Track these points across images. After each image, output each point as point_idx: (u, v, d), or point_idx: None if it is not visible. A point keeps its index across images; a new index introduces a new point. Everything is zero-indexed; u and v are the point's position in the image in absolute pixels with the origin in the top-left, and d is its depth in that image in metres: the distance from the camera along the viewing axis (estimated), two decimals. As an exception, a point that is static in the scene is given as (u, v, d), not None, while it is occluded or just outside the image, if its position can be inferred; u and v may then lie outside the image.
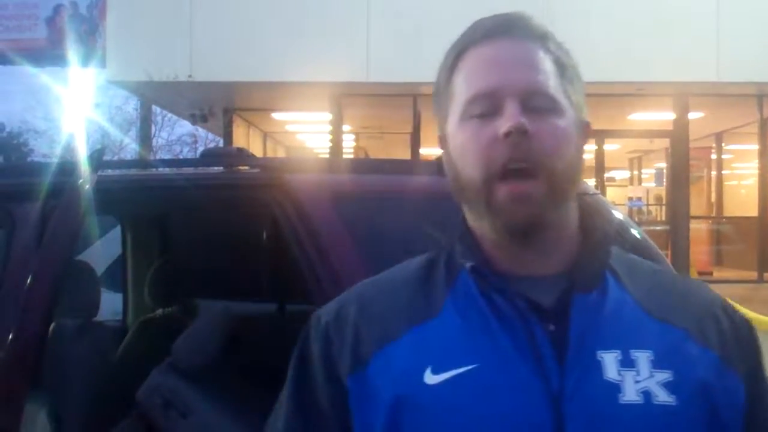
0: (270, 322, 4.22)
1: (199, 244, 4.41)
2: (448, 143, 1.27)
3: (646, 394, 1.12)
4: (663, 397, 1.12)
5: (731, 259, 16.40)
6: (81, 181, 2.66)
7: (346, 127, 15.53)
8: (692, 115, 14.73)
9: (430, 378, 1.16)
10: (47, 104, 32.98)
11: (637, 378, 1.13)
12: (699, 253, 15.41)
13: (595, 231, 1.25)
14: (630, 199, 18.79)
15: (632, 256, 1.32)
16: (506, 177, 1.16)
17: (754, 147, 15.49)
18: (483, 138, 1.18)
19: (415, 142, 14.55)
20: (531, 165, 1.15)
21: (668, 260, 13.09)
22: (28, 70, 20.53)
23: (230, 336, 3.47)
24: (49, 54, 18.69)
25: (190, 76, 12.75)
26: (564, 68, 1.22)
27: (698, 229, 15.96)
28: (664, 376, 1.14)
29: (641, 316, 1.20)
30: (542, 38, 1.22)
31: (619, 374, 1.13)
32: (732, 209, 18.16)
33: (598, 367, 1.14)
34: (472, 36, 1.23)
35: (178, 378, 3.28)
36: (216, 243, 4.28)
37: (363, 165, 3.76)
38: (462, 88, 1.22)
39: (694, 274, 14.66)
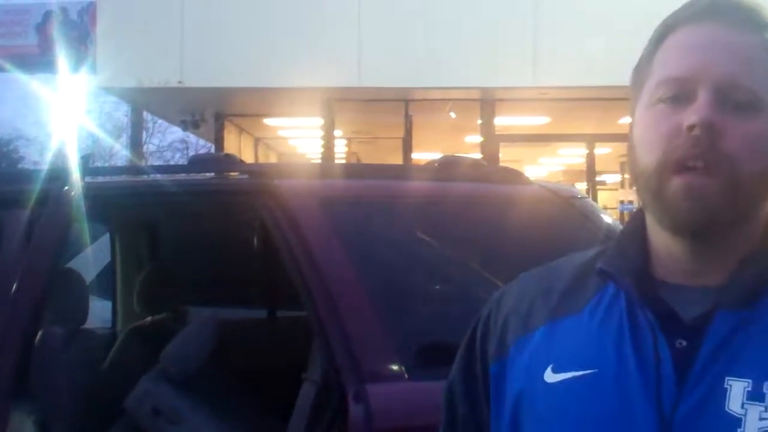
0: (259, 329, 4.22)
1: (187, 251, 4.40)
2: (633, 129, 1.15)
3: None
4: None
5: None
6: (67, 187, 2.65)
7: (337, 132, 15.51)
8: (683, 119, 14.76)
9: (550, 376, 1.12)
10: (38, 111, 32.86)
11: (764, 414, 0.98)
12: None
13: (762, 240, 1.11)
14: (621, 202, 18.80)
15: None
16: (682, 171, 1.04)
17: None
18: (666, 126, 1.06)
19: (407, 147, 14.53)
20: (711, 165, 1.02)
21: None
22: (19, 76, 20.51)
23: (219, 343, 3.45)
24: (39, 60, 18.66)
25: (180, 81, 12.73)
26: None
27: (690, 232, 15.96)
28: None
29: None
30: (762, 27, 1.07)
31: (743, 407, 1.00)
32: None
33: (722, 395, 1.01)
34: (683, 13, 1.11)
35: (167, 385, 3.27)
36: (205, 249, 4.28)
37: (352, 169, 3.75)
38: (657, 70, 1.11)
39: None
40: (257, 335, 4.14)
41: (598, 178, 17.61)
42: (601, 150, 18.28)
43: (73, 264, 4.54)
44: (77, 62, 16.97)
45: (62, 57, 16.70)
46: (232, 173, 3.09)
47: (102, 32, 13.31)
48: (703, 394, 1.01)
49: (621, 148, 20.02)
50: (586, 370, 1.09)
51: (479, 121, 14.04)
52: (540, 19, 12.44)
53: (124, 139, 30.39)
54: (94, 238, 4.88)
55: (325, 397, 2.64)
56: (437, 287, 2.98)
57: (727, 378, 1.01)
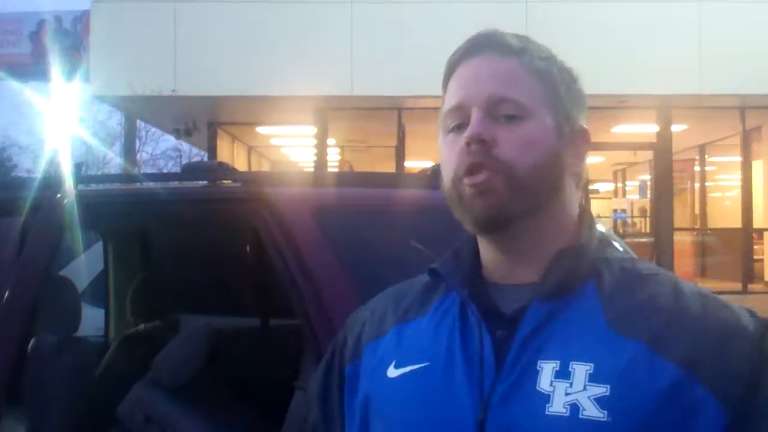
0: (251, 337, 4.21)
1: (180, 259, 4.40)
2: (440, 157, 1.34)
3: (574, 406, 1.11)
4: (591, 411, 1.10)
5: (715, 271, 16.44)
6: (59, 195, 2.64)
7: (330, 141, 15.52)
8: (675, 128, 14.80)
9: (392, 372, 1.27)
10: (31, 119, 32.87)
11: (569, 390, 1.12)
12: (683, 264, 15.45)
13: (571, 240, 1.28)
14: (614, 211, 18.84)
15: (642, 271, 1.27)
16: (468, 176, 1.23)
17: (737, 159, 15.56)
18: (455, 149, 1.26)
19: (400, 156, 14.55)
20: (491, 170, 1.21)
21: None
22: (12, 85, 20.48)
23: (211, 351, 3.45)
24: (32, 69, 18.65)
25: (173, 90, 12.73)
26: (544, 76, 1.28)
27: (682, 240, 16.01)
28: (599, 390, 1.11)
29: (600, 329, 1.17)
30: (517, 52, 1.28)
31: (551, 385, 1.13)
32: (716, 221, 18.23)
33: (534, 376, 1.15)
34: (454, 57, 1.33)
35: (159, 393, 3.26)
36: (198, 258, 4.27)
37: (344, 178, 3.74)
38: (443, 105, 1.31)
39: (678, 285, 14.67)
40: (250, 343, 4.13)
41: (591, 187, 17.65)
42: (594, 159, 18.31)
43: (67, 271, 4.53)
44: (71, 71, 16.97)
45: (56, 65, 16.71)
46: (225, 181, 3.08)
47: (95, 41, 13.30)
48: (517, 376, 1.16)
49: (614, 156, 20.10)
50: (421, 363, 1.25)
51: (472, 130, 14.07)
52: (531, 27, 12.46)
53: (118, 147, 30.36)
54: (88, 245, 4.88)
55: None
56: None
57: (539, 361, 1.16)
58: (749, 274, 15.18)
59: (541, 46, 1.33)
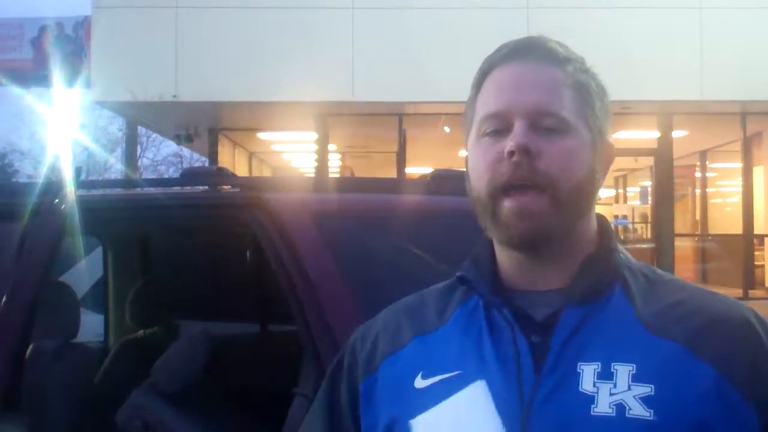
0: (250, 343, 4.20)
1: (179, 265, 4.39)
2: (467, 161, 1.32)
3: (620, 406, 1.12)
4: (638, 410, 1.12)
5: (716, 277, 16.42)
6: (57, 200, 2.64)
7: (331, 147, 15.52)
8: (676, 134, 14.80)
9: (420, 382, 1.26)
10: (32, 125, 32.89)
11: (613, 390, 1.14)
12: (684, 270, 15.43)
13: (597, 248, 1.29)
14: (615, 217, 18.81)
15: (663, 277, 1.31)
16: (509, 192, 1.21)
17: (738, 165, 15.55)
18: (491, 155, 1.24)
19: (401, 161, 14.55)
20: (534, 184, 1.20)
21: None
22: (14, 90, 20.49)
23: (210, 357, 3.44)
24: (34, 75, 18.66)
25: (175, 96, 12.73)
26: (584, 92, 1.27)
27: (683, 246, 16.00)
28: (644, 390, 1.13)
29: (636, 331, 1.19)
30: (561, 61, 1.27)
31: (595, 386, 1.15)
32: (716, 227, 18.22)
33: (575, 378, 1.16)
34: (494, 58, 1.30)
35: (157, 399, 3.25)
36: (197, 263, 4.26)
37: (344, 183, 3.74)
38: (480, 108, 1.28)
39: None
40: (249, 349, 4.12)
41: (592, 193, 17.62)
42: (595, 165, 18.26)
43: (67, 277, 4.53)
44: (72, 76, 16.97)
45: (57, 71, 16.71)
46: (224, 186, 3.08)
47: (96, 47, 13.31)
48: (558, 378, 1.17)
49: (615, 162, 19.97)
50: (450, 372, 1.24)
51: (473, 136, 14.06)
52: (532, 31, 12.46)
53: (119, 153, 30.38)
54: (88, 251, 4.88)
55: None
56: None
57: (579, 363, 1.17)
58: (750, 280, 15.17)
59: (579, 56, 1.32)
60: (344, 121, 14.28)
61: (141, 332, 4.10)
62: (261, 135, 16.89)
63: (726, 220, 17.77)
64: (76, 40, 18.35)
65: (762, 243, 15.79)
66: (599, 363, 1.16)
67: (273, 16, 12.92)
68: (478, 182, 1.26)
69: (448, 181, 3.08)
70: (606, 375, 1.15)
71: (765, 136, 15.65)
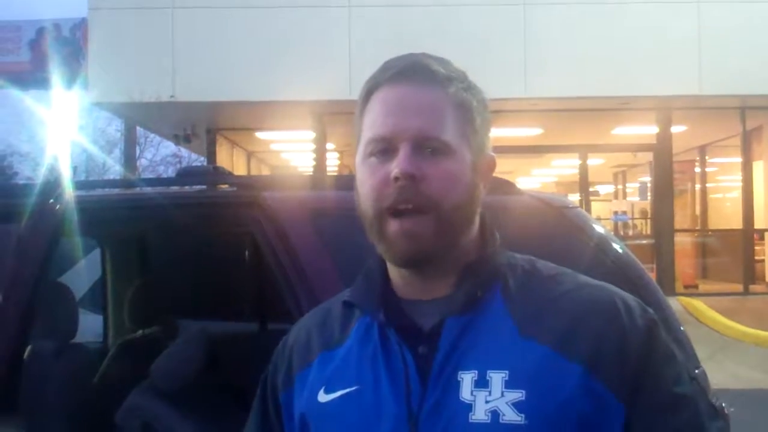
0: (249, 342, 4.19)
1: (177, 264, 4.38)
2: (356, 176, 1.35)
3: (494, 413, 1.18)
4: (510, 416, 1.17)
5: (716, 272, 16.43)
6: (52, 201, 2.63)
7: (329, 146, 15.54)
8: (675, 129, 14.80)
9: (323, 397, 1.32)
10: (31, 127, 32.87)
11: (488, 398, 1.19)
12: (684, 266, 15.44)
13: (476, 254, 1.34)
14: (615, 213, 18.84)
15: (542, 271, 1.35)
16: (396, 215, 1.26)
17: (737, 160, 15.56)
18: (377, 177, 1.28)
19: (399, 160, 14.55)
20: (417, 206, 1.25)
21: (653, 274, 13.04)
22: (12, 93, 20.51)
23: (209, 356, 3.43)
24: (32, 77, 18.69)
25: (172, 96, 12.73)
26: (465, 110, 1.31)
27: (683, 242, 16.00)
28: (516, 395, 1.18)
29: (511, 336, 1.24)
30: (443, 82, 1.31)
31: (472, 394, 1.20)
32: (716, 222, 18.24)
33: (456, 387, 1.21)
34: (380, 78, 1.33)
35: (156, 399, 3.24)
36: (195, 262, 4.25)
37: (341, 181, 3.73)
38: (366, 130, 1.32)
39: (679, 287, 14.68)
40: (247, 348, 4.11)
41: (591, 189, 17.63)
42: (594, 161, 18.30)
43: (66, 277, 4.52)
44: (70, 78, 16.99)
45: (55, 73, 16.72)
46: (220, 185, 3.07)
47: (93, 48, 13.31)
48: (442, 388, 1.22)
49: (614, 158, 20.10)
50: (350, 387, 1.30)
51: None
52: (530, 29, 12.47)
53: (117, 153, 30.37)
54: (87, 251, 4.87)
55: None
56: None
57: (459, 372, 1.22)
58: (750, 275, 15.17)
59: (461, 72, 1.36)
60: (342, 120, 14.25)
61: (140, 332, 4.09)
62: (259, 134, 16.89)
63: (726, 215, 17.78)
64: (74, 42, 18.37)
65: (762, 238, 15.80)
66: (476, 371, 1.22)
67: (270, 15, 12.93)
68: (365, 202, 1.29)
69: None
70: (482, 383, 1.20)
71: (764, 131, 15.66)
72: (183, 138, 15.79)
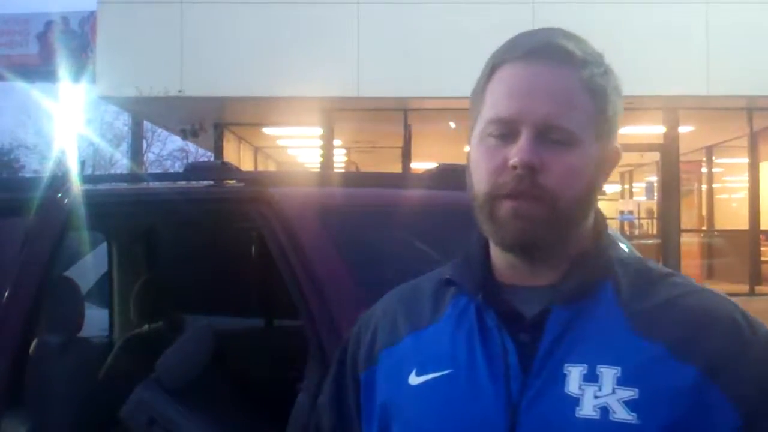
0: (255, 338, 4.19)
1: (184, 259, 4.38)
2: (469, 155, 1.30)
3: (604, 410, 1.13)
4: (622, 414, 1.12)
5: (722, 273, 16.38)
6: (60, 195, 2.63)
7: (337, 142, 15.51)
8: (682, 129, 14.76)
9: (414, 379, 1.26)
10: (38, 120, 32.95)
11: (598, 393, 1.14)
12: (690, 266, 15.39)
13: (590, 246, 1.28)
14: (621, 212, 18.79)
15: (656, 272, 1.29)
16: (510, 198, 1.20)
17: (744, 160, 15.51)
18: (494, 161, 1.22)
19: (406, 157, 14.53)
20: (534, 197, 1.19)
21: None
22: (20, 85, 20.54)
23: (215, 352, 3.43)
24: (40, 70, 18.70)
25: (180, 91, 12.73)
26: (599, 97, 1.24)
27: (689, 242, 15.96)
28: (628, 393, 1.14)
29: (623, 332, 1.19)
30: (578, 65, 1.23)
31: (580, 388, 1.15)
32: (723, 222, 18.18)
33: (562, 379, 1.17)
34: (508, 54, 1.25)
35: (162, 394, 3.25)
36: (201, 258, 4.26)
37: (349, 178, 3.73)
38: (487, 107, 1.25)
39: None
40: (253, 344, 4.12)
41: (597, 188, 17.59)
42: (601, 160, 18.21)
43: (72, 272, 4.52)
44: (78, 72, 17.00)
45: (63, 66, 16.73)
46: (228, 181, 3.07)
47: (102, 42, 13.31)
48: (545, 379, 1.17)
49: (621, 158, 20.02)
50: (443, 370, 1.24)
51: (479, 131, 14.03)
52: (538, 27, 12.45)
53: (124, 147, 30.41)
54: (94, 246, 4.88)
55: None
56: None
57: (565, 365, 1.17)
58: (756, 276, 15.13)
59: (598, 54, 1.29)
60: (350, 117, 14.26)
61: (146, 327, 4.10)
62: (266, 130, 16.88)
63: (732, 216, 17.72)
64: (82, 35, 18.37)
65: (768, 239, 15.76)
66: (585, 365, 1.17)
67: (279, 11, 12.91)
68: (479, 184, 1.25)
69: (452, 176, 3.07)
70: (591, 377, 1.16)
71: (772, 132, 15.62)
72: (190, 132, 15.78)
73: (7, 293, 2.58)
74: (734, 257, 15.85)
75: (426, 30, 12.49)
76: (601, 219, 1.33)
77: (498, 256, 1.29)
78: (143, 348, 3.82)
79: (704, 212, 18.65)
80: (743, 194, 16.22)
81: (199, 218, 3.51)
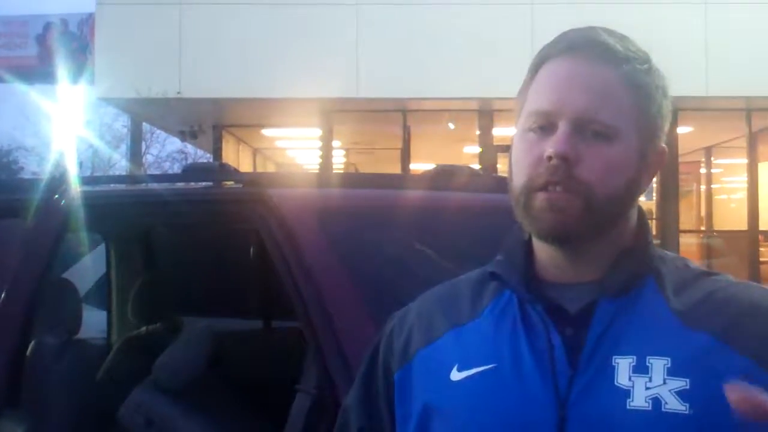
0: (253, 340, 4.19)
1: (182, 261, 4.38)
2: (512, 150, 1.30)
3: (656, 400, 1.13)
4: (674, 404, 1.12)
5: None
6: (57, 196, 2.63)
7: (336, 143, 15.52)
8: (681, 130, 14.76)
9: (455, 375, 1.26)
10: (37, 122, 32.92)
11: (649, 384, 1.14)
12: (689, 267, 15.39)
13: (634, 241, 1.29)
14: (620, 213, 18.79)
15: (696, 269, 1.30)
16: (545, 190, 1.21)
17: (743, 161, 15.52)
18: (532, 154, 1.23)
19: (405, 158, 14.54)
20: (569, 189, 1.19)
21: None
22: (18, 87, 20.54)
23: (213, 354, 3.43)
24: (39, 71, 18.72)
25: (179, 92, 12.73)
26: (641, 94, 1.24)
27: (688, 243, 15.97)
28: (680, 383, 1.13)
29: (670, 323, 1.20)
30: (620, 61, 1.24)
31: (630, 380, 1.15)
32: (721, 223, 18.18)
33: (611, 372, 1.16)
34: (551, 49, 1.27)
35: (159, 396, 3.24)
36: (200, 259, 4.25)
37: (348, 179, 3.72)
38: (530, 101, 1.26)
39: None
40: (252, 346, 4.11)
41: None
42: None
43: (70, 273, 4.52)
44: (76, 73, 17.01)
45: (62, 68, 16.74)
46: (226, 182, 3.06)
47: (100, 43, 13.32)
48: (594, 372, 1.17)
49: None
50: (487, 365, 1.24)
51: (477, 132, 14.04)
52: (537, 28, 12.45)
53: (123, 149, 30.39)
54: (92, 247, 4.87)
55: (319, 409, 2.62)
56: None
57: (614, 357, 1.17)
58: (755, 277, 15.12)
59: (642, 52, 1.29)
60: (348, 118, 14.27)
61: (144, 329, 4.09)
62: (265, 131, 16.90)
63: (731, 217, 17.72)
64: (81, 37, 18.39)
65: (767, 239, 15.76)
66: (634, 356, 1.16)
67: (277, 12, 12.92)
68: (517, 177, 1.25)
69: (451, 177, 3.07)
70: (641, 368, 1.15)
71: (771, 132, 15.63)
72: (189, 134, 15.80)
73: (5, 294, 2.57)
74: (733, 258, 15.85)
75: (425, 31, 12.49)
76: (644, 218, 1.33)
77: (541, 252, 1.30)
78: (141, 349, 3.82)
79: (703, 213, 18.66)
80: (742, 195, 16.22)
81: (197, 219, 3.50)
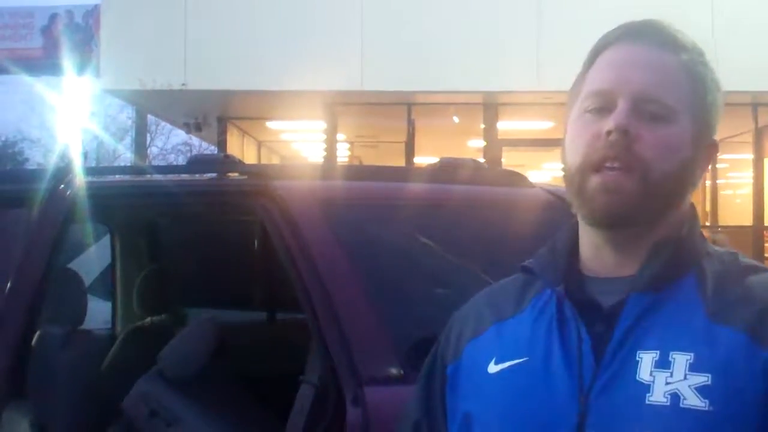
0: (258, 331, 4.20)
1: (187, 252, 4.39)
2: (565, 135, 1.30)
3: (674, 396, 1.12)
4: (692, 400, 1.11)
5: (726, 269, 16.35)
6: (62, 186, 2.63)
7: (340, 136, 15.50)
8: (687, 125, 14.74)
9: (492, 367, 1.29)
10: (42, 113, 32.93)
11: (669, 379, 1.13)
12: (694, 262, 15.37)
13: (677, 237, 1.26)
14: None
15: (743, 264, 1.28)
16: (600, 170, 1.20)
17: (749, 156, 15.49)
18: (589, 132, 1.22)
19: (410, 151, 14.51)
20: (626, 165, 1.18)
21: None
22: (24, 79, 20.56)
23: (218, 345, 3.44)
24: (44, 63, 18.73)
25: (183, 84, 12.72)
26: (698, 82, 1.26)
27: (693, 238, 15.92)
28: (701, 379, 1.12)
29: (699, 319, 1.18)
30: (677, 49, 1.25)
31: (651, 375, 1.14)
32: (727, 218, 18.16)
33: (634, 366, 1.16)
34: (610, 37, 1.28)
35: (164, 387, 3.25)
36: (204, 250, 4.26)
37: (352, 171, 3.72)
38: (587, 85, 1.27)
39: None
40: (256, 337, 4.12)
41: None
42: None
43: (75, 263, 4.53)
44: (82, 65, 17.02)
45: (67, 60, 16.75)
46: (231, 174, 3.07)
47: (105, 35, 13.30)
48: (617, 367, 1.17)
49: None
50: (520, 358, 1.26)
51: (482, 126, 14.02)
52: (543, 22, 12.42)
53: (128, 141, 30.42)
54: (97, 238, 4.88)
55: (323, 400, 2.63)
56: (437, 290, 2.96)
57: (638, 351, 1.17)
58: (760, 273, 15.10)
59: (699, 47, 1.30)
60: (353, 111, 14.25)
61: (148, 319, 4.10)
62: (270, 124, 16.88)
63: (736, 212, 17.71)
64: (86, 29, 18.39)
65: (772, 234, 15.74)
66: (657, 351, 1.16)
67: (282, 4, 12.90)
68: (572, 157, 1.25)
69: (457, 170, 3.08)
70: (663, 363, 1.15)
71: (776, 127, 15.59)
72: (194, 126, 15.78)
73: (9, 284, 2.58)
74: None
75: (430, 24, 12.46)
76: (693, 212, 1.32)
77: (585, 246, 1.30)
78: (146, 340, 3.83)
79: (708, 208, 18.62)
80: (747, 190, 16.20)
81: (202, 211, 3.51)
